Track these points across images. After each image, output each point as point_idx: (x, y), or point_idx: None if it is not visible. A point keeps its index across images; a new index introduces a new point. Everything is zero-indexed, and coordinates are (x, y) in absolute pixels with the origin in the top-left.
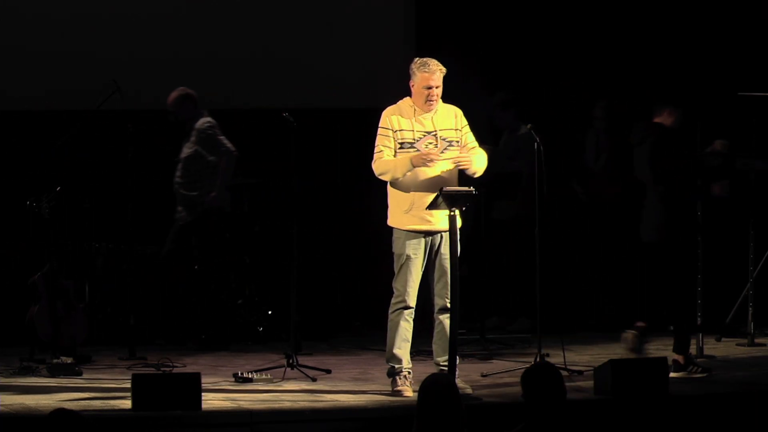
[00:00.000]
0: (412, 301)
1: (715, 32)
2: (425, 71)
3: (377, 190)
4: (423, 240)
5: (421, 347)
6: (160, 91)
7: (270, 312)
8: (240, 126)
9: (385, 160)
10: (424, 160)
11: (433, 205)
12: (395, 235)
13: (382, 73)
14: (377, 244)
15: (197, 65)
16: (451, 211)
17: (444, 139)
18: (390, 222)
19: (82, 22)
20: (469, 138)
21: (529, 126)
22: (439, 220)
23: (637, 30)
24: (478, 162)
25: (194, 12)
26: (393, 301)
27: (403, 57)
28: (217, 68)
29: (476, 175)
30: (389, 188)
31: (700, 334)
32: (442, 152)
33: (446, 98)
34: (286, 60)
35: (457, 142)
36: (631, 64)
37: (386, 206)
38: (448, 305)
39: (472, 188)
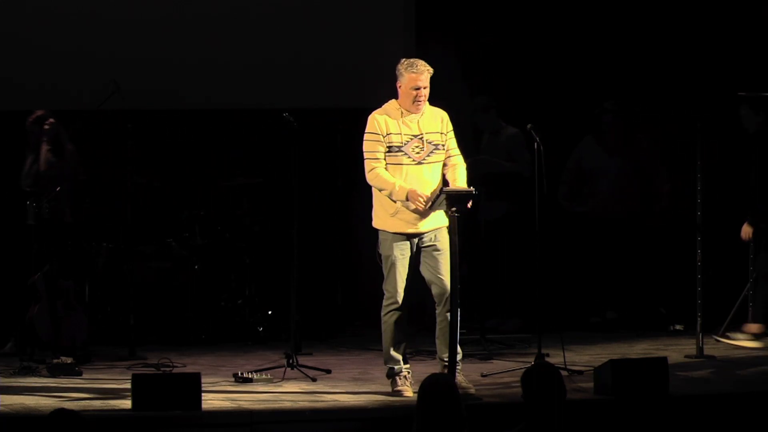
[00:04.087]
0: (402, 300)
1: (715, 32)
2: (413, 72)
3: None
4: (408, 242)
5: (421, 347)
6: (160, 91)
7: (270, 312)
8: (240, 126)
9: (385, 179)
10: (416, 201)
11: (433, 206)
12: (382, 237)
13: (382, 73)
14: (377, 244)
15: (197, 65)
16: (451, 211)
17: (430, 143)
18: (375, 224)
19: (83, 22)
20: (452, 144)
21: (529, 126)
22: (424, 222)
23: (637, 30)
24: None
25: (194, 13)
26: (384, 303)
27: (403, 57)
28: (217, 68)
29: None
30: (374, 191)
31: (700, 334)
32: (428, 155)
33: (445, 96)
34: (286, 60)
35: (442, 145)
36: (630, 64)
37: None
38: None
39: (472, 188)
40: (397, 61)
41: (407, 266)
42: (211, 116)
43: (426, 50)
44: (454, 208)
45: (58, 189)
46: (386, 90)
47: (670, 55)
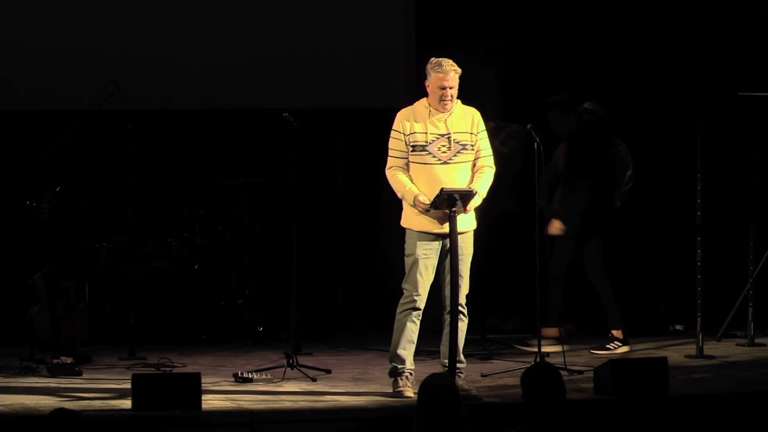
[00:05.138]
0: (422, 303)
1: (715, 32)
2: (439, 71)
3: (377, 190)
4: (435, 242)
5: (422, 347)
6: (160, 91)
7: (270, 312)
8: (240, 126)
9: (398, 180)
10: (419, 205)
11: (434, 205)
12: (408, 235)
13: (383, 73)
14: (377, 244)
15: (197, 65)
16: (450, 211)
17: (457, 142)
18: (403, 223)
19: (83, 22)
20: (482, 145)
21: (529, 126)
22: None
23: (637, 30)
24: (482, 189)
25: (194, 13)
26: (402, 301)
27: (403, 57)
28: (217, 68)
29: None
30: None
31: (701, 334)
32: (455, 155)
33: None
34: (285, 60)
35: (471, 146)
36: (630, 64)
37: (385, 206)
38: (459, 307)
39: (471, 188)
40: (397, 62)
41: (430, 268)
42: (211, 116)
43: (426, 50)
44: (453, 208)
45: (57, 189)
46: (386, 90)
47: (670, 55)
